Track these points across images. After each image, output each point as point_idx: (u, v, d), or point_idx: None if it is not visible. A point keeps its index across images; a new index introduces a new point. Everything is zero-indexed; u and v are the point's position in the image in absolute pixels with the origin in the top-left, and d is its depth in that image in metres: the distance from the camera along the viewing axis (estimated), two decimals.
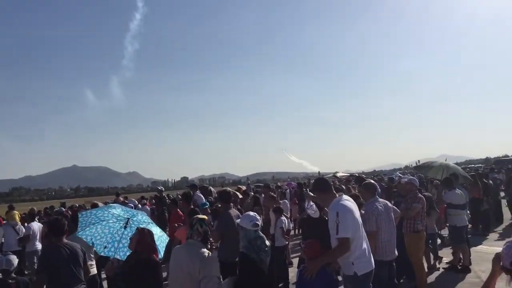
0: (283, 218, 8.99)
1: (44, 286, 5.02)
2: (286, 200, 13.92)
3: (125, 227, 5.64)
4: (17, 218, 12.22)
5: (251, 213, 4.70)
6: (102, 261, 6.91)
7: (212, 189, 14.80)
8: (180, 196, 12.03)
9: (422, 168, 13.06)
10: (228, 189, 8.12)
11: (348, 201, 4.70)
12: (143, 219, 5.79)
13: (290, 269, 8.99)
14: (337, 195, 4.84)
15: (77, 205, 19.68)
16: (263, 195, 12.85)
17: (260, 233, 4.53)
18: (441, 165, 12.01)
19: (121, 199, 16.85)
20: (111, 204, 7.09)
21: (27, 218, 12.53)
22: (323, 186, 4.86)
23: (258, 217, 4.63)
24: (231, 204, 7.30)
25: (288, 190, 18.74)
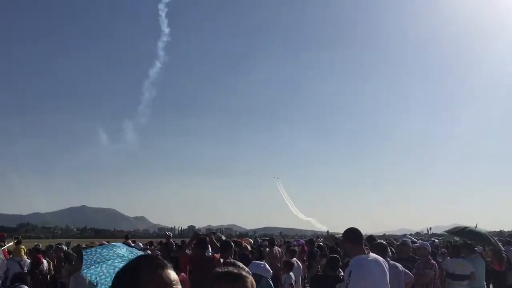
0: (292, 274, 8.79)
1: None
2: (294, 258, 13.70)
3: None
4: (23, 253, 12.13)
5: (259, 262, 4.60)
6: None
7: (223, 236, 14.69)
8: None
9: (462, 233, 12.18)
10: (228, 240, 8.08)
11: (372, 261, 4.47)
12: None
13: None
14: (366, 252, 4.66)
15: (84, 245, 19.56)
16: (267, 249, 12.71)
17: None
18: (479, 232, 11.38)
19: (130, 242, 16.74)
20: (114, 243, 7.05)
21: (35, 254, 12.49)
22: (353, 236, 4.69)
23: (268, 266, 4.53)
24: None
25: (296, 247, 18.45)
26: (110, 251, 5.70)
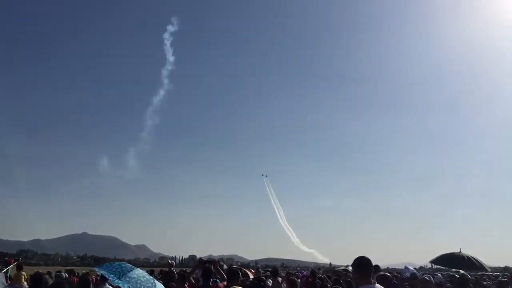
0: None
1: None
2: None
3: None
4: (23, 279, 12.02)
5: None
6: None
7: (225, 266, 14.60)
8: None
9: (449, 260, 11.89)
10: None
11: None
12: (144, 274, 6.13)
13: None
14: (372, 281, 4.56)
15: (84, 271, 19.46)
16: (270, 280, 12.61)
17: None
18: (468, 257, 11.28)
19: None
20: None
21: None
22: (360, 265, 4.55)
23: None
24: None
25: (299, 280, 18.23)
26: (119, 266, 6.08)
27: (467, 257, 11.53)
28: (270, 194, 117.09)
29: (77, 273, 20.21)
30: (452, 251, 12.39)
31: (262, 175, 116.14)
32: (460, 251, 11.70)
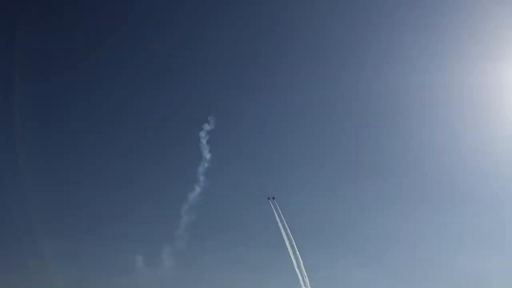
0: None
1: None
2: None
3: None
4: None
5: None
6: None
7: None
8: None
9: None
10: None
11: None
12: None
13: None
14: None
15: None
16: None
17: None
18: None
19: None
20: None
21: None
22: None
23: None
24: None
25: None
26: None
27: None
28: (276, 218, 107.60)
29: None
30: None
31: (268, 198, 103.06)
32: None
